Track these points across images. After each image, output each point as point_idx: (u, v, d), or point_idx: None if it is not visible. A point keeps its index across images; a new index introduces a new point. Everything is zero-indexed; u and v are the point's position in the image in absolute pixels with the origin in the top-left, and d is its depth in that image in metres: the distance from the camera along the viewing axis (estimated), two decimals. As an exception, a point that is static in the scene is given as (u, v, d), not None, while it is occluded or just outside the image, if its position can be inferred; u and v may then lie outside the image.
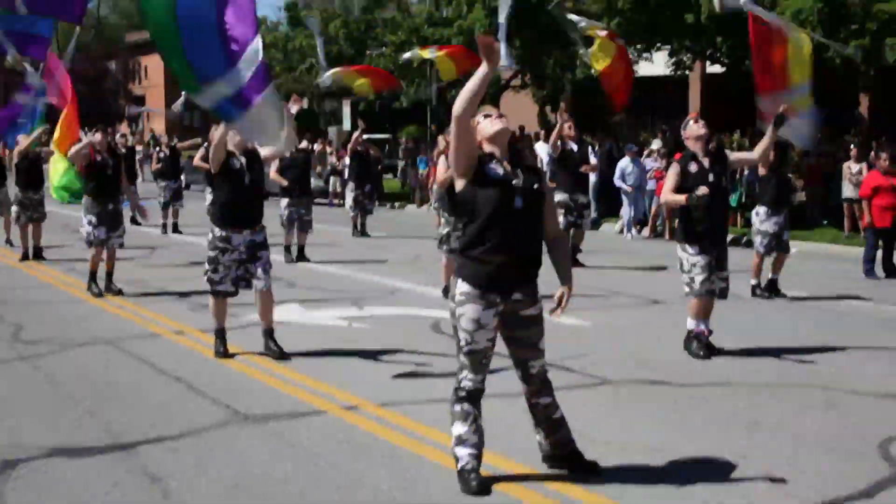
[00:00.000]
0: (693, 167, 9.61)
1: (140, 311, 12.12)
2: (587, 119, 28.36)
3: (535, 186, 6.01)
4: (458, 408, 6.19)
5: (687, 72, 29.47)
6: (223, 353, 9.62)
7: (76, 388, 8.51)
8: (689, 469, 6.45)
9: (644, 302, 12.91)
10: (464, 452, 6.11)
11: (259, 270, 9.53)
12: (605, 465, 6.45)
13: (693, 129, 9.79)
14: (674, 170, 9.77)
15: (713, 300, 9.78)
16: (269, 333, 9.74)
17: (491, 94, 38.78)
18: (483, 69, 5.77)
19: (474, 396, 6.16)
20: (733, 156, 10.42)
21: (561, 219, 15.70)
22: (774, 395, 8.36)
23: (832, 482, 6.22)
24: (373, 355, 9.71)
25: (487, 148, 6.05)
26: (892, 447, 6.93)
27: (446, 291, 12.69)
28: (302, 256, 16.77)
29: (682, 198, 9.44)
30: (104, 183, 13.09)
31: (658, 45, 26.50)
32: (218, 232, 9.51)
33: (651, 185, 22.47)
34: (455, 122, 5.84)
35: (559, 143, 15.90)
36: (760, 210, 13.65)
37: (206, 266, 9.59)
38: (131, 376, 8.90)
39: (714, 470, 6.45)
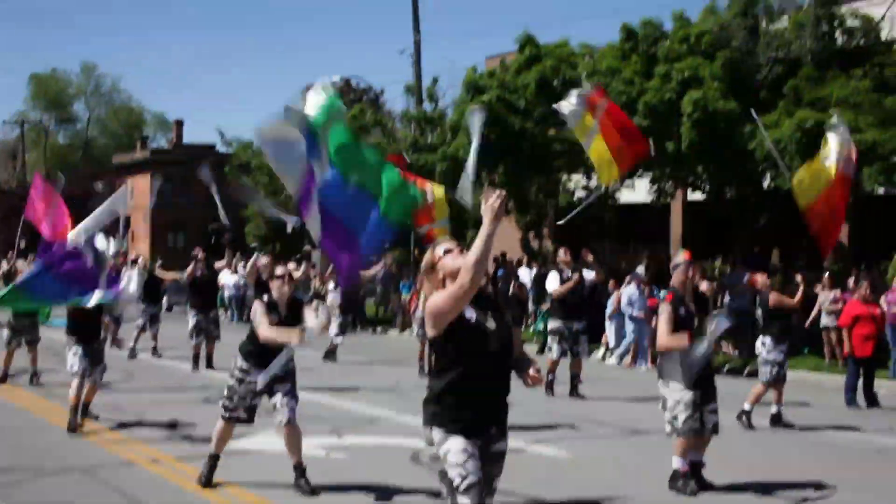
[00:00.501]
0: (682, 311, 9.61)
1: (117, 437, 11.97)
2: (572, 246, 28.51)
3: (505, 322, 5.74)
4: None
5: (668, 199, 29.75)
6: (206, 482, 9.38)
7: (46, 520, 8.35)
8: None
9: (623, 432, 12.80)
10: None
11: (279, 402, 9.47)
12: None
13: (681, 271, 9.80)
14: (666, 312, 9.62)
15: (706, 437, 9.67)
16: (298, 469, 9.53)
17: (475, 220, 39.14)
18: (487, 228, 5.29)
19: None
20: (773, 298, 11.87)
21: (555, 346, 15.71)
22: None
23: None
24: (351, 488, 9.57)
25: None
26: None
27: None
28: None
29: (684, 341, 9.36)
30: (86, 320, 12.61)
31: (640, 172, 26.77)
32: (241, 362, 9.49)
33: (637, 311, 22.44)
34: (460, 289, 5.36)
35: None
36: (767, 340, 13.61)
37: (225, 391, 9.58)
38: (104, 508, 8.74)
39: None
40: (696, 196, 29.90)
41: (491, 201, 5.27)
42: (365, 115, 37.68)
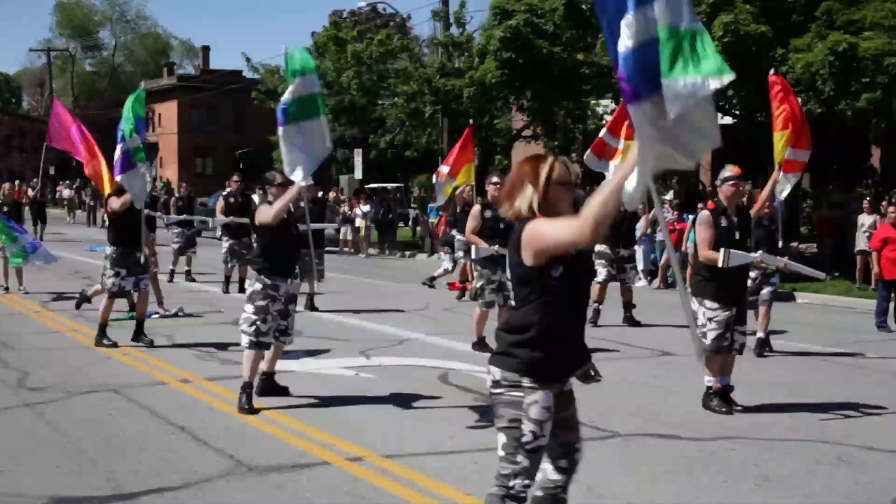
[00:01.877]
0: (723, 221, 9.49)
1: (147, 358, 12.05)
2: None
3: (585, 257, 5.25)
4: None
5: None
6: (248, 409, 9.27)
7: (79, 436, 8.43)
8: (697, 525, 6.35)
9: (655, 354, 12.80)
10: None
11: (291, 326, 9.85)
12: (612, 520, 6.37)
13: (730, 181, 9.63)
14: (707, 223, 9.49)
15: (732, 356, 9.65)
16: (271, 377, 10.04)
17: (502, 145, 39.02)
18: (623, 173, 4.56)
19: None
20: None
21: (602, 269, 15.37)
22: (785, 451, 8.24)
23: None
24: (379, 406, 9.63)
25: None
26: (906, 505, 6.82)
27: (477, 344, 12.61)
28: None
29: (717, 257, 9.25)
30: (130, 230, 12.87)
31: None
32: (267, 280, 9.51)
33: (660, 236, 22.39)
34: (573, 238, 4.63)
35: None
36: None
37: (253, 317, 9.45)
38: (135, 425, 8.82)
39: (723, 526, 6.35)
40: (726, 120, 29.64)
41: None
42: (392, 40, 37.39)
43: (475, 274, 12.84)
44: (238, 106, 68.10)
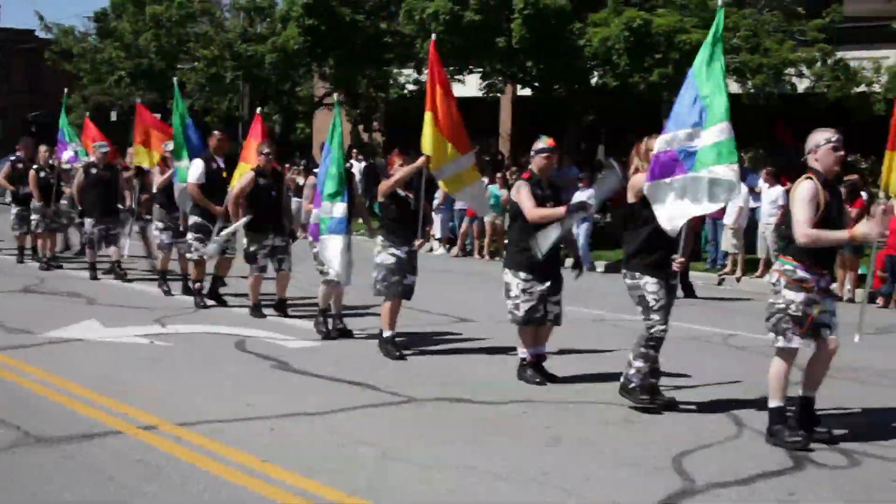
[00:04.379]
0: (538, 191, 9.55)
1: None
2: (401, 139, 28.53)
3: None
4: (644, 350, 8.50)
5: (498, 94, 29.92)
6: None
7: None
8: (490, 486, 6.49)
9: (452, 320, 12.98)
10: (637, 379, 8.54)
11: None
12: (407, 485, 6.46)
13: (542, 153, 9.69)
14: (525, 188, 9.51)
15: (548, 326, 9.75)
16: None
17: (304, 112, 38.76)
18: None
19: (661, 342, 8.51)
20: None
21: None
22: (576, 413, 8.51)
23: (628, 496, 6.36)
24: (174, 374, 9.48)
25: None
26: (686, 461, 7.12)
27: (254, 310, 12.64)
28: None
29: (560, 210, 9.29)
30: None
31: (471, 67, 26.82)
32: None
33: (460, 204, 22.65)
34: None
35: None
36: None
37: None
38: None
39: (515, 487, 6.50)
40: (525, 91, 30.15)
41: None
42: (192, 3, 36.59)
43: (245, 238, 12.78)
44: (31, 67, 65.50)
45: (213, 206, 13.41)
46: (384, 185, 10.73)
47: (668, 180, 8.24)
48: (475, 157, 11.37)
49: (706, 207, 8.36)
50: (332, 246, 11.03)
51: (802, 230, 7.47)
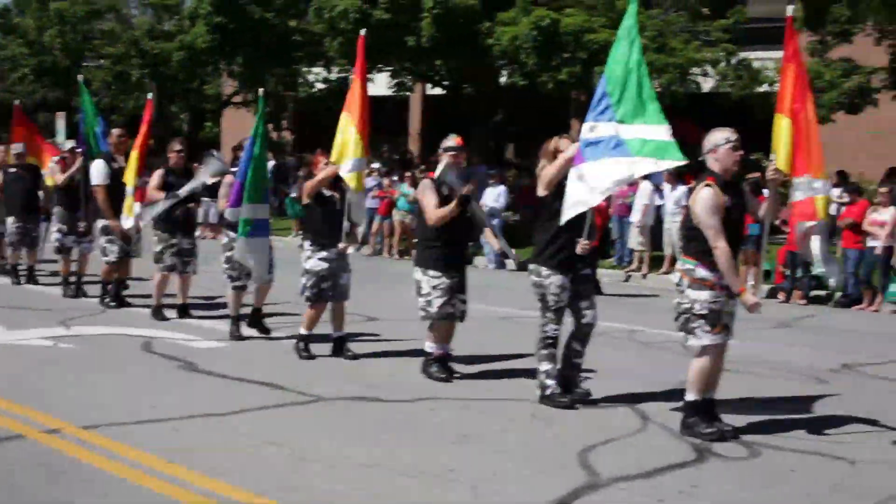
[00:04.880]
0: (445, 190, 9.57)
1: None
2: (312, 138, 28.44)
3: None
4: (545, 351, 8.64)
5: (408, 93, 29.97)
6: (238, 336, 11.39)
7: None
8: (398, 484, 6.52)
9: (360, 319, 12.97)
10: (551, 382, 8.65)
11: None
12: (314, 484, 6.46)
13: (452, 155, 9.70)
14: (430, 189, 9.61)
15: (454, 323, 9.82)
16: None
17: (211, 110, 38.42)
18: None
19: (557, 341, 8.68)
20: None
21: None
22: (483, 410, 8.57)
23: (535, 491, 6.43)
24: (79, 377, 9.35)
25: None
26: (591, 455, 7.22)
27: (156, 312, 12.51)
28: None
29: (451, 207, 9.39)
30: None
31: (380, 66, 26.83)
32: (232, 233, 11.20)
33: (373, 203, 22.64)
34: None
35: None
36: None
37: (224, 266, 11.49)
38: None
39: (423, 484, 6.54)
40: (435, 90, 30.25)
41: None
42: (97, -1, 36.11)
43: (154, 237, 12.62)
44: None
45: (114, 220, 13.22)
46: (309, 186, 10.59)
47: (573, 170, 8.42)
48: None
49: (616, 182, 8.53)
50: (255, 248, 10.98)
51: (715, 243, 7.64)
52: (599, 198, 8.48)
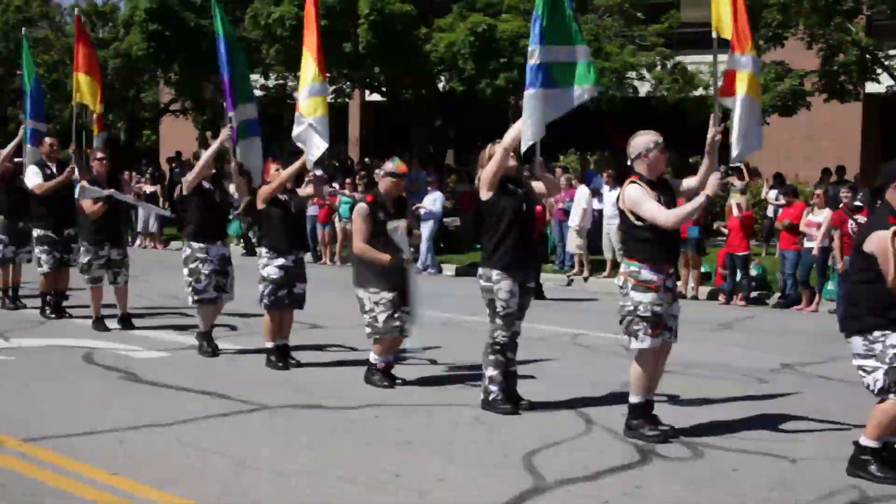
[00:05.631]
0: (382, 214, 9.52)
1: None
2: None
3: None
4: (493, 357, 8.54)
5: (347, 100, 29.93)
6: (211, 352, 10.97)
7: None
8: (344, 490, 6.52)
9: (303, 326, 12.93)
10: (495, 388, 8.59)
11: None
12: (260, 492, 6.45)
13: (392, 181, 9.71)
14: (362, 215, 9.54)
15: (401, 335, 9.77)
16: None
17: (150, 119, 38.12)
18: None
19: (507, 347, 8.57)
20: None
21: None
22: (427, 415, 8.59)
23: (481, 495, 6.46)
24: (19, 389, 9.24)
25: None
26: (536, 459, 7.26)
27: (97, 323, 12.37)
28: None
29: (378, 255, 9.39)
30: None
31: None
32: (195, 244, 10.93)
33: (313, 210, 22.53)
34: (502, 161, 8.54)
35: None
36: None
37: (188, 278, 10.94)
38: None
39: (369, 490, 6.54)
40: (374, 97, 30.25)
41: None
42: (31, 6, 35.63)
43: (82, 248, 12.48)
44: None
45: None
46: (265, 192, 10.48)
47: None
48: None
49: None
50: (252, 149, 11.40)
51: (664, 218, 7.70)
52: (529, 137, 8.59)
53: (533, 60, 8.64)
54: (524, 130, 8.53)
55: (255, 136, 11.39)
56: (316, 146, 10.44)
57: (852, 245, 7.39)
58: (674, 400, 9.03)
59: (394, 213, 9.63)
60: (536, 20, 8.70)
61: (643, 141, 7.97)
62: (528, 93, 8.63)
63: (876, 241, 6.81)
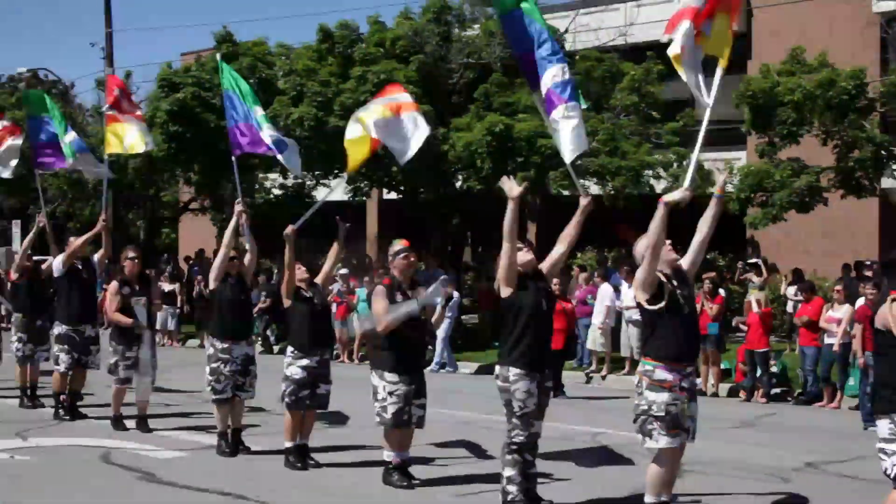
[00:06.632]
0: (399, 297, 9.54)
1: None
2: (269, 244, 28.46)
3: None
4: (510, 457, 8.38)
5: (365, 198, 30.11)
6: (230, 452, 10.89)
7: None
8: None
9: (322, 425, 12.84)
10: (513, 489, 8.38)
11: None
12: None
13: (402, 258, 9.77)
14: (381, 295, 9.56)
15: (411, 430, 9.66)
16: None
17: (169, 218, 38.42)
18: (510, 205, 8.48)
19: (524, 448, 8.39)
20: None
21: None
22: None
23: None
24: (36, 490, 9.21)
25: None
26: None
27: (115, 421, 12.29)
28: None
29: (402, 313, 9.36)
30: None
31: (336, 171, 27.00)
32: (219, 344, 10.94)
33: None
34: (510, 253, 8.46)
35: None
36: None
37: (209, 377, 10.93)
38: None
39: None
40: (391, 196, 30.43)
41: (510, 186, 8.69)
42: (52, 107, 36.11)
43: (110, 349, 12.43)
44: None
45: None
46: (287, 287, 10.45)
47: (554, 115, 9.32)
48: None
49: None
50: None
51: (650, 233, 8.06)
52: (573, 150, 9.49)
53: (564, 76, 9.29)
54: (564, 146, 9.34)
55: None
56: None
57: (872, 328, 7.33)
58: (695, 500, 8.92)
59: (410, 294, 9.62)
60: (547, 38, 9.37)
61: (644, 245, 8.12)
62: (567, 105, 9.25)
63: (881, 316, 6.79)
